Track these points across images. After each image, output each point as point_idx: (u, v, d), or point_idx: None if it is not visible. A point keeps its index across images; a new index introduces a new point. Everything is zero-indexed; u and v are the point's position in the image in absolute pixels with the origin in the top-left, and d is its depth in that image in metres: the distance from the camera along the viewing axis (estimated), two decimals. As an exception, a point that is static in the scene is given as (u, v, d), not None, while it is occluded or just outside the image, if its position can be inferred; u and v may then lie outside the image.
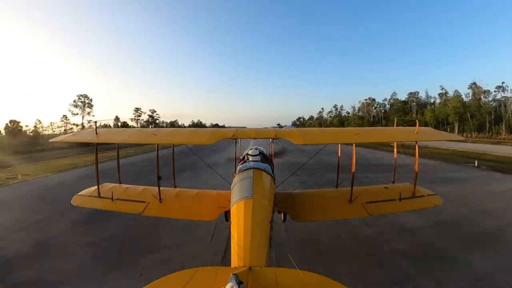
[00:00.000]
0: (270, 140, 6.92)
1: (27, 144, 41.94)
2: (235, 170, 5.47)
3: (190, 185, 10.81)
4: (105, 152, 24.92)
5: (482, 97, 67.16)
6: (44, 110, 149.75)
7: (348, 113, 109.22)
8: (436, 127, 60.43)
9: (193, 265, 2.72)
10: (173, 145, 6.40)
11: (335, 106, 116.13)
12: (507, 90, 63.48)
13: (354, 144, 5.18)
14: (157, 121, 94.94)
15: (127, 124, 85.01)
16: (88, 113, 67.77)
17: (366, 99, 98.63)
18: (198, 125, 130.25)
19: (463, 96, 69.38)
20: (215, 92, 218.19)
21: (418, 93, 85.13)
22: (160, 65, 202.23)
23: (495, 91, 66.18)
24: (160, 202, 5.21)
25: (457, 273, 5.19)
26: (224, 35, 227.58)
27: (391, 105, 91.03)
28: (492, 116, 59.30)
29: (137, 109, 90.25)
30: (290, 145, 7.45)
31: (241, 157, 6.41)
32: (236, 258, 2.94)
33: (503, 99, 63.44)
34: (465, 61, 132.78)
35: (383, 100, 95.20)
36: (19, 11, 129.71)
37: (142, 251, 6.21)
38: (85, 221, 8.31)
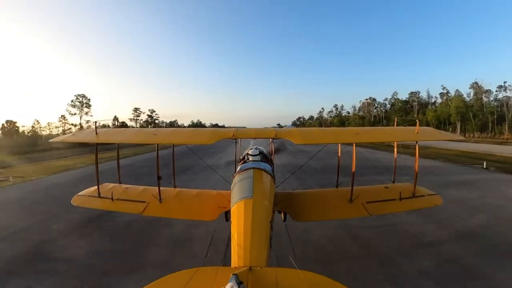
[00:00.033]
0: (270, 140, 6.91)
1: (24, 144, 41.67)
2: (235, 170, 5.46)
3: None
4: (104, 153, 24.59)
5: (483, 96, 67.04)
6: (44, 110, 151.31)
7: (349, 113, 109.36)
8: (438, 127, 60.37)
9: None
10: (173, 145, 6.40)
11: (335, 106, 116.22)
12: (510, 90, 63.46)
13: (354, 144, 5.18)
14: (156, 121, 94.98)
15: (126, 124, 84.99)
16: (86, 113, 68.09)
17: (366, 99, 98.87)
18: (198, 125, 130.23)
19: (465, 96, 69.43)
20: (215, 92, 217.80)
21: (419, 92, 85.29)
22: (160, 65, 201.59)
23: (496, 91, 66.22)
24: (160, 202, 5.19)
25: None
26: (224, 35, 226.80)
27: (392, 104, 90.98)
28: (495, 116, 59.17)
29: (136, 109, 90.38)
30: (290, 145, 7.37)
31: (241, 157, 6.40)
32: (236, 258, 2.93)
33: (504, 98, 63.34)
34: (465, 61, 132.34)
35: (384, 100, 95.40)
36: (19, 11, 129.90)
37: (127, 270, 5.52)
38: (67, 233, 7.64)
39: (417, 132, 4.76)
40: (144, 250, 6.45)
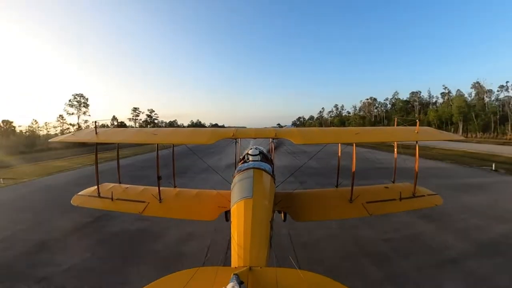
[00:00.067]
0: (270, 139, 6.90)
1: (21, 144, 41.22)
2: (235, 170, 5.46)
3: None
4: (104, 153, 24.14)
5: (485, 96, 66.87)
6: (44, 110, 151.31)
7: (349, 113, 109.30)
8: (439, 127, 60.19)
9: None
10: (173, 145, 6.39)
11: (335, 106, 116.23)
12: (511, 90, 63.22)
13: (354, 144, 5.16)
14: (155, 121, 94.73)
15: (125, 124, 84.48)
16: (84, 113, 67.31)
17: (367, 99, 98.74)
18: (198, 125, 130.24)
19: (466, 96, 69.27)
20: (215, 92, 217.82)
21: (420, 92, 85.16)
22: (160, 65, 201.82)
23: (498, 91, 66.05)
24: (160, 202, 5.19)
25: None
26: (224, 35, 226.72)
27: (393, 104, 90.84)
28: (497, 116, 58.96)
29: (135, 109, 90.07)
30: (290, 145, 7.31)
31: (241, 157, 6.40)
32: (236, 258, 2.93)
33: (506, 98, 63.14)
34: (466, 61, 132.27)
35: (384, 100, 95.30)
36: (19, 11, 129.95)
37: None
38: (48, 245, 6.97)
39: (417, 132, 4.76)
40: (127, 269, 5.64)
